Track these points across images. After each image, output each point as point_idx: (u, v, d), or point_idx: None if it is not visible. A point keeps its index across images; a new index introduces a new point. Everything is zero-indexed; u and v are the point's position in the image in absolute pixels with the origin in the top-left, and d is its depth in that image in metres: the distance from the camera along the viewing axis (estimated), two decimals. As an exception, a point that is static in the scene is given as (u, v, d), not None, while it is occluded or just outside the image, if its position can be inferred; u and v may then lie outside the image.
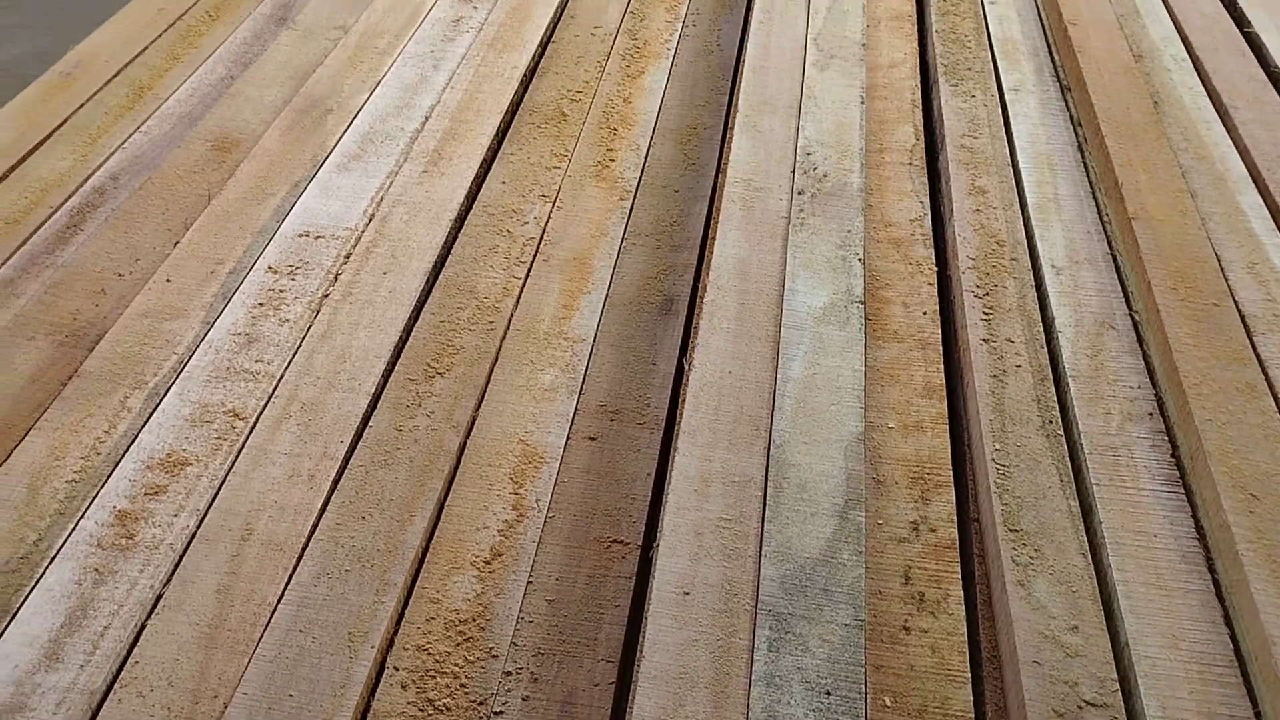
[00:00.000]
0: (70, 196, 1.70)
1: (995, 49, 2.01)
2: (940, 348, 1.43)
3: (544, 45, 2.13)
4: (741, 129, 1.75)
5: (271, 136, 1.79)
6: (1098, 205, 1.64)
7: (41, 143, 1.81)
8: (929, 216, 1.64)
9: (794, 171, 1.65)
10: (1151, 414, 1.31)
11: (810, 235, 1.53)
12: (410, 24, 2.13)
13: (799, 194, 1.60)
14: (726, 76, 2.07)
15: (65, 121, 1.85)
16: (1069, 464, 1.26)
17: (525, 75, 2.02)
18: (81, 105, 1.89)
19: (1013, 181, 1.70)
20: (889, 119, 1.84)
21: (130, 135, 1.84)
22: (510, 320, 1.52)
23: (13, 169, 1.75)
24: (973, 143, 1.77)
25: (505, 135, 1.89)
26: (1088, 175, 1.70)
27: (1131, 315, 1.45)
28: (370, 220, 1.65)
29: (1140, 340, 1.42)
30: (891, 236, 1.60)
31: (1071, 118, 1.83)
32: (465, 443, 1.35)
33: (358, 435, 1.33)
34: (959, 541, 1.21)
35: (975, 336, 1.42)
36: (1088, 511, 1.22)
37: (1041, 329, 1.44)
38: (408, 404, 1.38)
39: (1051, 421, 1.30)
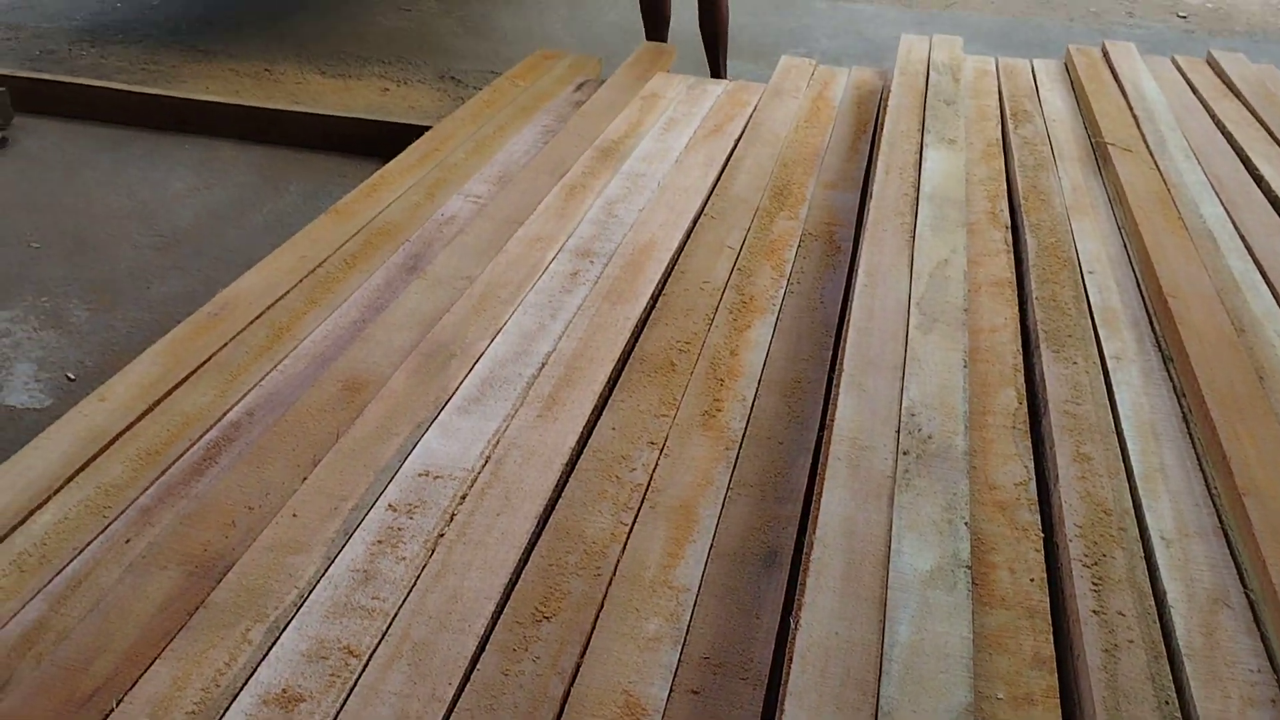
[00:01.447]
0: (209, 430, 1.82)
1: (1095, 317, 2.07)
2: (1049, 617, 1.42)
3: (655, 298, 2.24)
4: (847, 387, 1.80)
5: (398, 379, 1.89)
6: (1205, 477, 1.64)
7: (186, 378, 1.94)
8: (1034, 481, 1.66)
9: (899, 431, 1.69)
10: (1274, 700, 1.28)
11: (916, 496, 1.55)
12: (531, 276, 2.26)
13: (904, 454, 1.64)
14: (830, 333, 2.15)
15: (209, 359, 1.99)
16: (1189, 749, 1.22)
17: (637, 326, 2.13)
18: (225, 344, 2.03)
19: (1117, 449, 1.71)
20: (991, 382, 1.88)
21: (268, 373, 1.97)
22: (616, 566, 1.55)
23: (159, 402, 1.87)
24: (1075, 409, 1.80)
25: (616, 383, 1.97)
26: (1194, 446, 1.71)
27: (1247, 593, 1.43)
28: (486, 462, 1.72)
29: (1257, 621, 1.39)
30: (997, 500, 1.62)
31: (1174, 388, 1.86)
32: (569, 690, 1.36)
33: (465, 678, 1.36)
34: (1075, 827, 1.17)
35: (1085, 608, 1.40)
36: (1211, 802, 1.17)
37: (1153, 602, 1.43)
38: (515, 648, 1.41)
39: (1168, 702, 1.27)
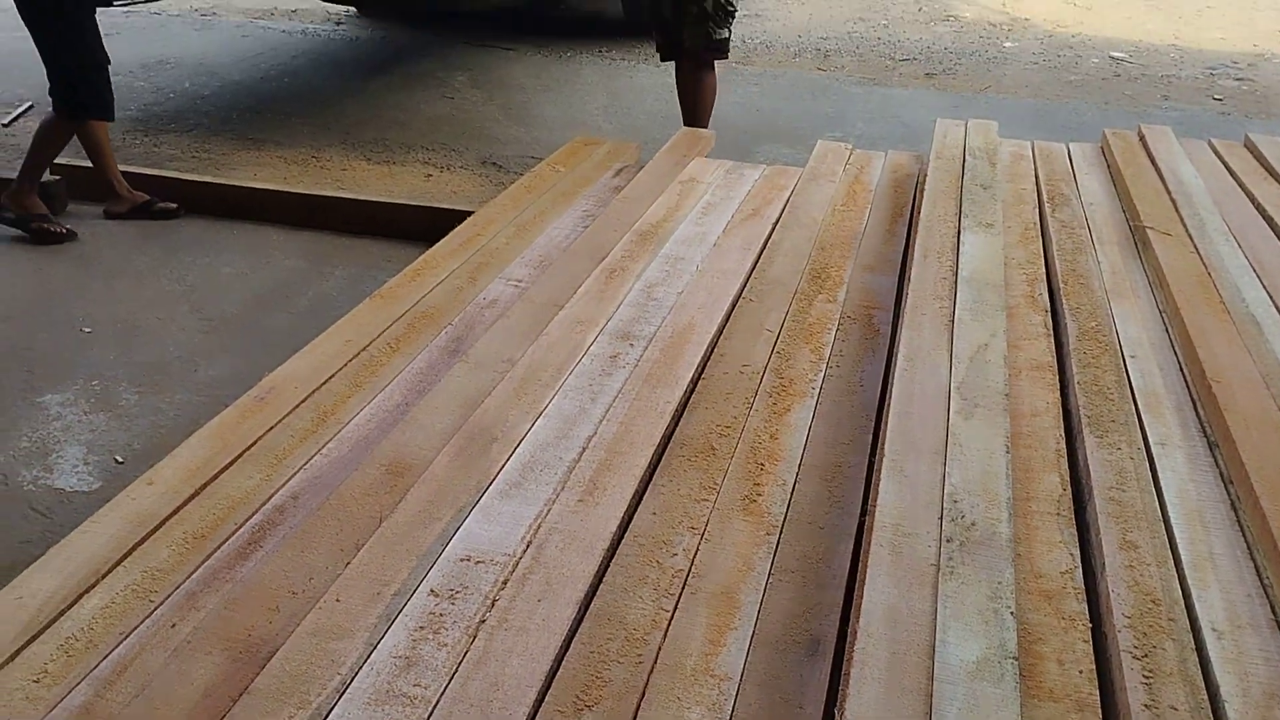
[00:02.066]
0: (254, 514, 1.84)
1: (1138, 401, 2.06)
2: (1099, 710, 1.40)
3: (695, 381, 2.25)
4: (888, 472, 1.80)
5: (440, 462, 1.91)
6: (1256, 567, 1.61)
7: (232, 462, 1.96)
8: (1079, 569, 1.64)
9: (941, 518, 1.68)
10: (1335, 799, 1.24)
11: (960, 585, 1.53)
12: (571, 358, 2.28)
13: (947, 541, 1.62)
14: (870, 417, 2.15)
15: (255, 443, 2.02)
16: None
17: (677, 409, 2.13)
18: (271, 428, 2.06)
19: (1164, 537, 1.69)
20: (1034, 467, 1.87)
21: (312, 457, 2.00)
22: (658, 654, 1.54)
23: (205, 486, 1.90)
24: (1120, 495, 1.78)
25: (657, 467, 1.98)
26: (1243, 535, 1.69)
27: (1303, 688, 1.40)
28: (528, 547, 1.73)
29: (1315, 716, 1.36)
30: (1042, 589, 1.60)
31: (1221, 474, 1.84)
32: (611, 782, 1.34)
33: (507, 768, 1.35)
34: None
35: (1136, 701, 1.38)
36: None
37: (1206, 697, 1.40)
38: (556, 738, 1.39)
39: (1225, 800, 1.24)
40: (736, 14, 4.18)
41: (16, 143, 4.59)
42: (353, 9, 7.08)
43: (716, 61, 4.16)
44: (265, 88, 5.53)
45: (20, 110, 4.89)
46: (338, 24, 6.98)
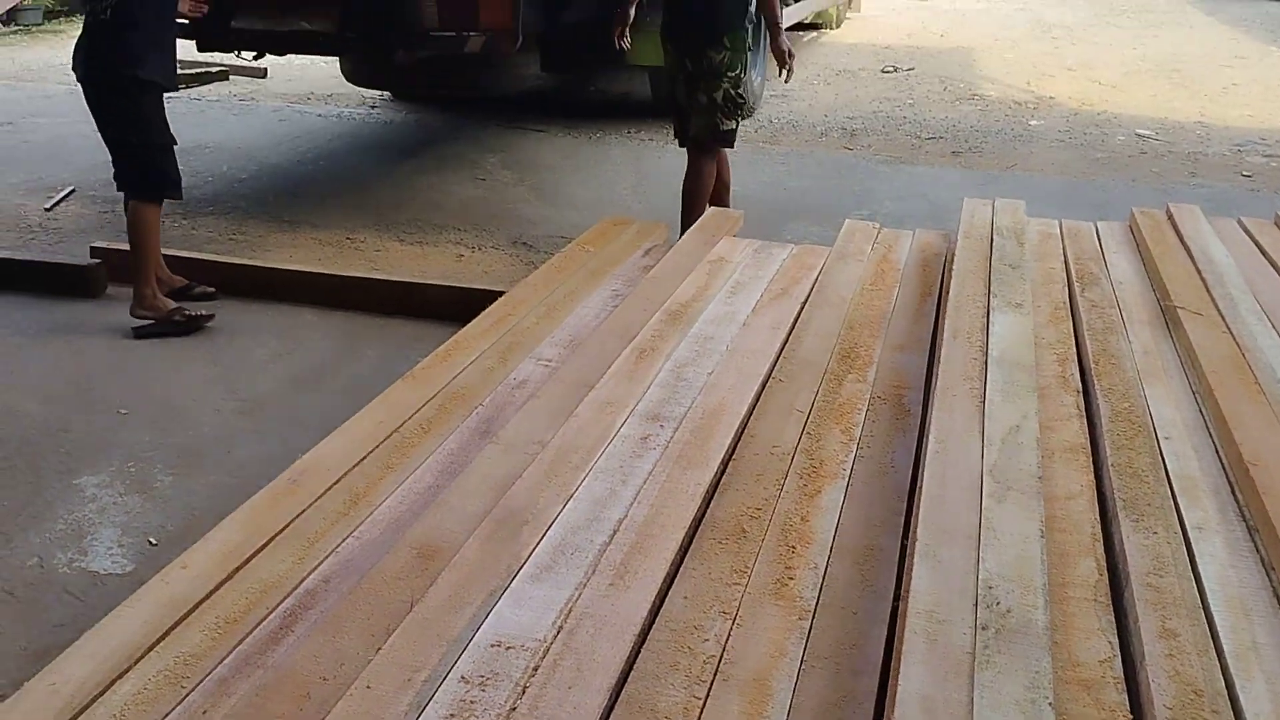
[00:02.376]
0: (285, 598, 1.84)
1: (1174, 485, 2.03)
2: (1142, 805, 1.37)
3: (725, 463, 2.25)
4: (921, 557, 1.78)
5: (471, 546, 1.91)
6: (1301, 656, 1.58)
7: (265, 545, 1.97)
8: (1118, 658, 1.61)
9: (976, 605, 1.66)
10: None
11: (997, 674, 1.51)
12: (602, 440, 2.29)
13: (983, 629, 1.60)
14: (902, 499, 2.14)
15: (287, 526, 2.03)
16: None
17: (707, 492, 2.13)
18: (303, 511, 2.07)
19: (1205, 625, 1.66)
20: (1070, 553, 1.85)
21: (344, 540, 2.00)
22: (691, 744, 1.52)
23: (238, 569, 1.90)
24: (1159, 581, 1.76)
25: (688, 550, 1.97)
26: (1287, 623, 1.66)
27: (1353, 783, 1.36)
28: (558, 632, 1.72)
29: (1367, 813, 1.32)
30: (1081, 678, 1.57)
31: (1262, 560, 1.81)
32: None
33: None
34: None
35: (1181, 796, 1.35)
36: None
37: (1253, 792, 1.36)
38: (587, 831, 1.38)
39: None
40: (746, 106, 4.24)
41: (58, 225, 4.70)
42: (387, 93, 7.24)
43: (732, 144, 4.21)
44: (301, 171, 5.65)
45: (62, 195, 5.00)
46: (372, 108, 7.13)
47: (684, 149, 4.27)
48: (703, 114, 4.07)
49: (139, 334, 3.54)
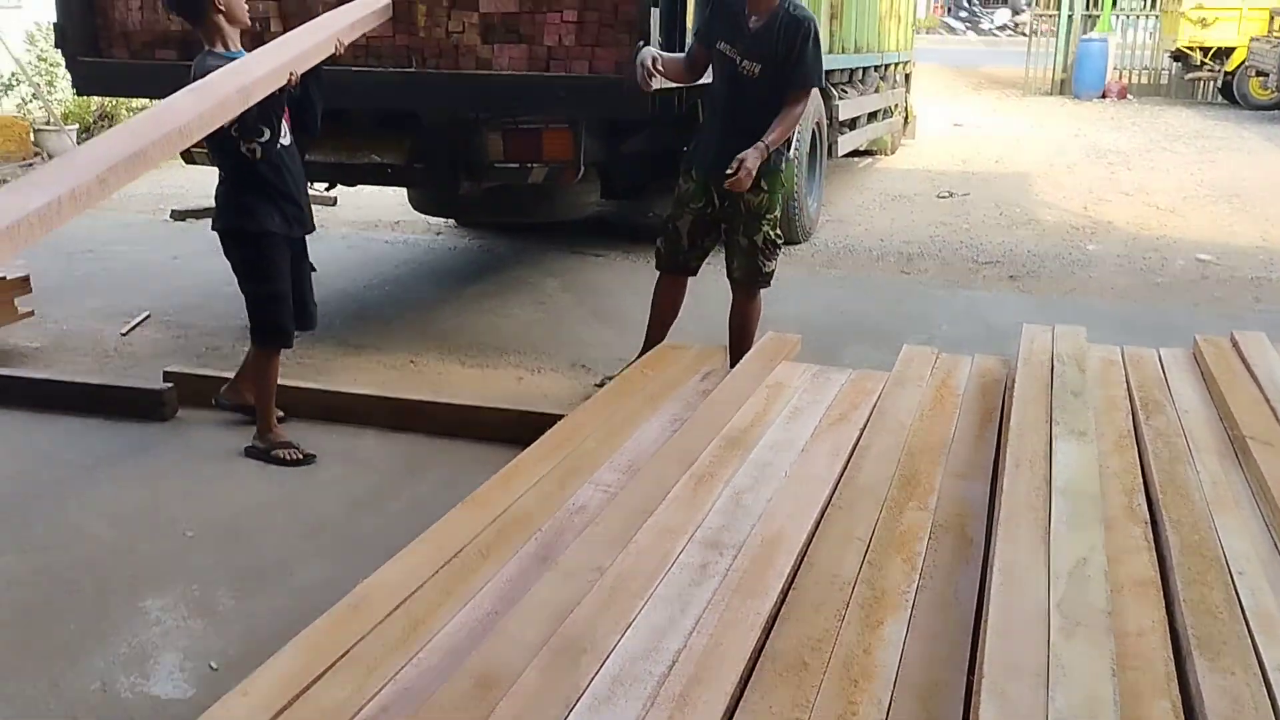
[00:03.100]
0: (345, 727, 1.83)
1: (1250, 622, 1.97)
2: None
3: (785, 592, 2.22)
4: (988, 695, 1.74)
5: (529, 676, 1.90)
6: (1393, 806, 1.51)
7: (325, 672, 1.98)
8: (1199, 805, 1.55)
9: (1046, 746, 1.61)
10: None
11: (1070, 820, 1.46)
12: (661, 568, 2.28)
13: (1054, 771, 1.55)
14: (966, 633, 2.10)
15: (347, 652, 2.03)
16: None
17: (767, 622, 2.11)
18: (363, 637, 2.08)
19: (1289, 771, 1.60)
20: (1143, 692, 1.80)
21: (402, 668, 2.00)
22: None
23: (298, 696, 1.91)
24: (1238, 723, 1.70)
25: (748, 683, 1.94)
26: (1376, 769, 1.59)
27: None
28: (616, 768, 1.69)
29: None
30: (1159, 826, 1.51)
31: (1346, 702, 1.74)
32: None
33: None
34: None
35: None
36: None
37: None
38: None
39: None
40: (783, 246, 4.19)
41: (133, 350, 4.84)
42: (451, 220, 7.44)
43: (769, 285, 4.15)
44: (368, 295, 5.78)
45: (137, 320, 5.16)
46: (437, 234, 7.32)
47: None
48: (744, 256, 4.04)
49: (247, 453, 3.68)
